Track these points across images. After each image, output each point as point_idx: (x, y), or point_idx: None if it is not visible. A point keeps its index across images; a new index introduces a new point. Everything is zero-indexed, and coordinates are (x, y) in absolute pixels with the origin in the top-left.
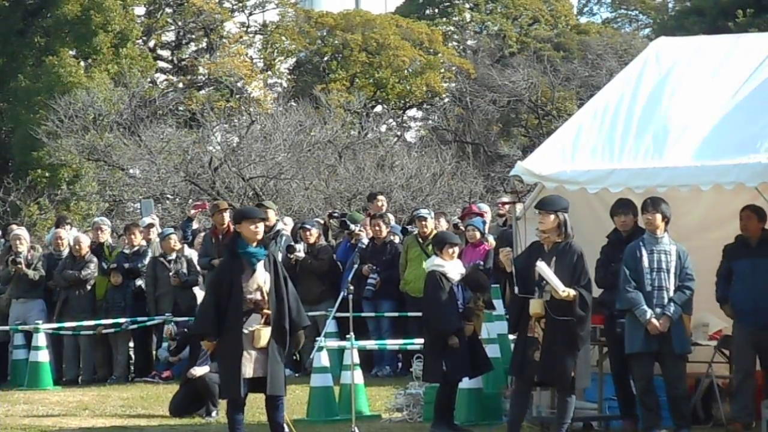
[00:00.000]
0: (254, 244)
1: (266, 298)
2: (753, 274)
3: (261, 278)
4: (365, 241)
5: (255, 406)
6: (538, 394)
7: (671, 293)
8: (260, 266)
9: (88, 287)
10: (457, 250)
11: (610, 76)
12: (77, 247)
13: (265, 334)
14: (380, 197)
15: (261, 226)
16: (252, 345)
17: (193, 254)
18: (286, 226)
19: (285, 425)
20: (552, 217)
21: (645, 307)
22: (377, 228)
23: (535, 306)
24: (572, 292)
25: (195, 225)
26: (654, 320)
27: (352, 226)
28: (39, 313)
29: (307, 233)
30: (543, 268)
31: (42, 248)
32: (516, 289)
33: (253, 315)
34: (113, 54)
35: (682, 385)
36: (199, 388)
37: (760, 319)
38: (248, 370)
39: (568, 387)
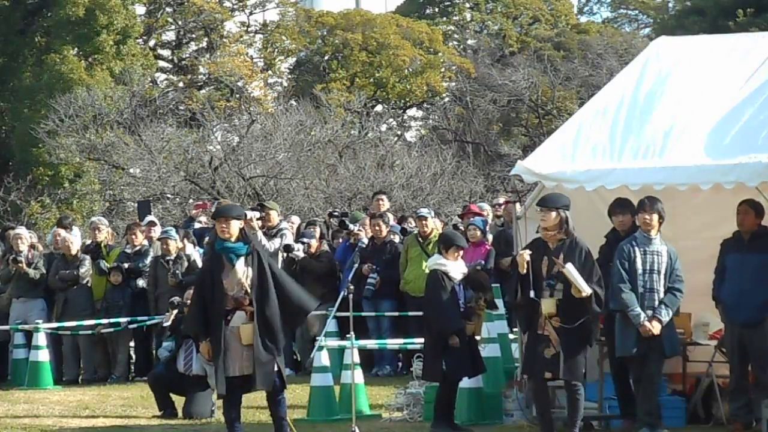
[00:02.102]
0: (232, 240)
1: (248, 294)
2: (741, 269)
3: (241, 274)
4: (365, 240)
5: (255, 406)
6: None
7: (661, 295)
8: (240, 262)
9: (88, 284)
10: (462, 252)
11: (610, 75)
12: (67, 246)
13: (247, 331)
14: (379, 196)
15: (230, 225)
16: (239, 342)
17: (196, 254)
18: (293, 225)
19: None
20: (553, 214)
21: (638, 309)
22: (377, 228)
23: (548, 306)
24: (590, 291)
25: (198, 224)
26: (647, 323)
27: (351, 226)
28: (39, 312)
29: (306, 244)
30: (571, 269)
31: (43, 247)
32: (533, 293)
33: (237, 312)
34: (116, 51)
35: (659, 382)
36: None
37: (743, 315)
38: (232, 368)
39: (580, 383)
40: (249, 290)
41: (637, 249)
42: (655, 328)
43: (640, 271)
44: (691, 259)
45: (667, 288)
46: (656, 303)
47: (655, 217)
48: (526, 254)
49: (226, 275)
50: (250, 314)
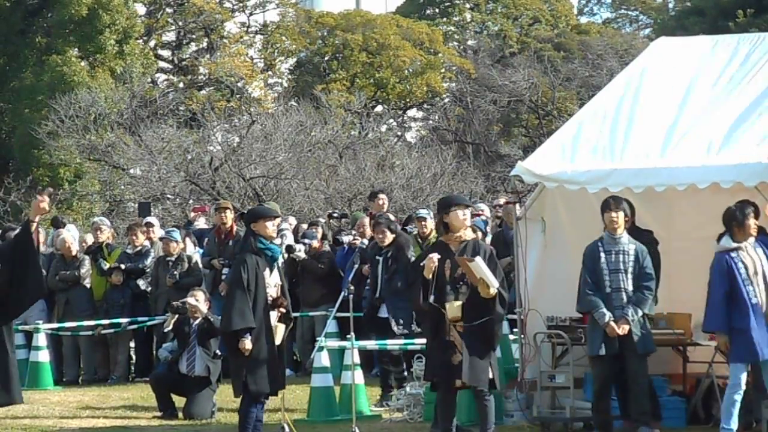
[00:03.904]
0: (270, 241)
1: (281, 294)
2: None
3: (277, 275)
4: (365, 240)
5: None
6: (539, 394)
7: (630, 294)
8: (277, 263)
9: (87, 285)
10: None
11: (610, 76)
12: (67, 247)
13: (281, 331)
14: (381, 196)
15: (274, 225)
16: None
17: (196, 254)
18: (290, 226)
19: (285, 425)
20: (469, 211)
21: (604, 310)
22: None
23: (453, 310)
24: (497, 285)
25: (200, 225)
26: (612, 323)
27: (345, 239)
28: (39, 313)
29: (308, 245)
30: (480, 263)
31: (44, 248)
32: (432, 298)
33: (271, 312)
34: (117, 51)
35: (644, 380)
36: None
37: None
38: None
39: (486, 389)
40: (281, 291)
41: (602, 249)
42: (623, 328)
43: (605, 271)
44: (690, 258)
45: (635, 286)
46: (624, 302)
47: (621, 215)
48: (435, 257)
49: (267, 275)
50: (281, 315)
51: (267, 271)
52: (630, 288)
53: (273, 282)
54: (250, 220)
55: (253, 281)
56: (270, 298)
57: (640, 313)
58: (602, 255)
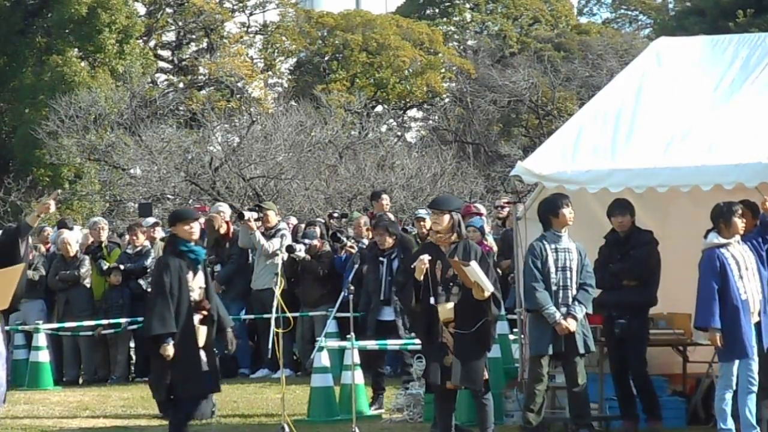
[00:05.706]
0: (193, 243)
1: (204, 296)
2: None
3: (202, 277)
4: (365, 240)
5: (256, 406)
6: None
7: (574, 292)
8: (201, 265)
9: (87, 285)
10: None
11: (610, 76)
12: (66, 247)
13: (203, 333)
14: (384, 196)
15: (195, 226)
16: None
17: None
18: (290, 226)
19: (285, 425)
20: (446, 217)
21: (553, 308)
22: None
23: (445, 311)
24: (493, 288)
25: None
26: (562, 321)
27: (344, 240)
28: (39, 313)
29: (308, 245)
30: (475, 267)
31: (45, 248)
32: (432, 300)
33: (194, 315)
34: (118, 50)
35: (585, 381)
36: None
37: None
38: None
39: (482, 390)
40: (204, 294)
41: (548, 247)
42: (571, 325)
43: (552, 268)
44: (690, 259)
45: (579, 285)
46: (570, 300)
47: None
48: (426, 259)
49: (191, 277)
50: (203, 317)
51: (190, 274)
52: (575, 286)
53: (197, 285)
54: (170, 223)
55: (176, 285)
56: (193, 302)
57: (584, 311)
58: (550, 252)
